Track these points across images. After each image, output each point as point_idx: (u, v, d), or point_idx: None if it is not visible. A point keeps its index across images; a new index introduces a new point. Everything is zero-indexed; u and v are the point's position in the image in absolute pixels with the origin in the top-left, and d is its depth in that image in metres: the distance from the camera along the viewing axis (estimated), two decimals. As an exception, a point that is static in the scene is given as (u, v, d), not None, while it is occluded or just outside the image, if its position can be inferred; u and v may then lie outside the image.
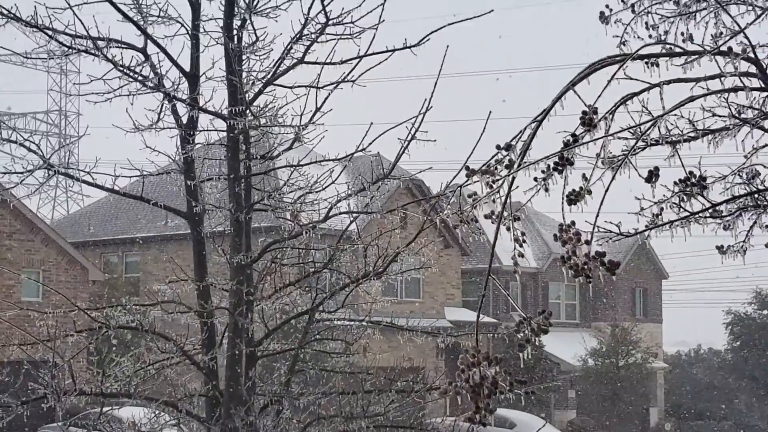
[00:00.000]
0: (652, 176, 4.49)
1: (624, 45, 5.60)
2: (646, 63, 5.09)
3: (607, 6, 5.88)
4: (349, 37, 10.45)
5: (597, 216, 3.90)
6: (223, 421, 10.39)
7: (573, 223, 4.10)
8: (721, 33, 5.51)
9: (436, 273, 43.41)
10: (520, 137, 4.58)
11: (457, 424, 11.52)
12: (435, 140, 10.43)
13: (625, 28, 5.70)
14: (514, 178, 4.44)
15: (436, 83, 9.89)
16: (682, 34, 5.52)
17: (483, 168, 4.54)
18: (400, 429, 10.93)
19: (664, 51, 5.10)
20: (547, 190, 4.46)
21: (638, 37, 5.60)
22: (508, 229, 4.45)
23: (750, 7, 5.41)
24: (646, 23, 5.71)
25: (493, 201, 4.48)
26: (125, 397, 10.50)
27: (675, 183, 4.89)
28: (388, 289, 41.64)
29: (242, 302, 10.52)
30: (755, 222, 5.62)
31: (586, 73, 4.77)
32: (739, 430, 53.93)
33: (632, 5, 5.66)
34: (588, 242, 3.87)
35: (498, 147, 4.59)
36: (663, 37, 5.47)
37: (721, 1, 5.35)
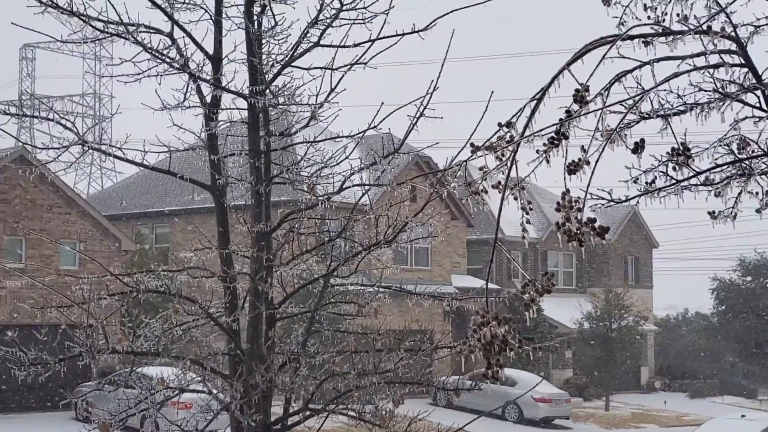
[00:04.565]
0: (638, 147, 4.49)
1: (623, 25, 5.54)
2: (643, 42, 5.06)
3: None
4: (361, 22, 10.41)
5: (588, 184, 3.90)
6: (244, 378, 10.43)
7: (568, 191, 4.12)
8: (714, 14, 5.46)
9: (442, 243, 43.46)
10: (520, 114, 4.59)
11: (460, 381, 11.56)
12: (442, 117, 10.40)
13: (624, 10, 5.65)
14: (516, 151, 4.45)
15: (442, 65, 9.85)
16: (677, 15, 5.48)
17: (487, 144, 4.56)
18: (408, 385, 10.96)
19: (653, 31, 5.07)
20: (548, 161, 4.46)
21: (637, 18, 5.54)
22: (516, 198, 4.47)
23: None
24: (645, 5, 5.66)
25: (502, 173, 4.49)
26: (154, 355, 10.53)
27: (667, 153, 4.88)
28: (398, 256, 41.71)
29: (262, 268, 10.54)
30: (742, 189, 5.60)
31: (582, 53, 4.75)
32: (723, 388, 53.99)
33: None
34: (581, 209, 3.88)
35: (500, 125, 4.60)
36: (662, 18, 5.41)
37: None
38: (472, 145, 4.63)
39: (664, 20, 5.39)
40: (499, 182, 4.27)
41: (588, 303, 49.36)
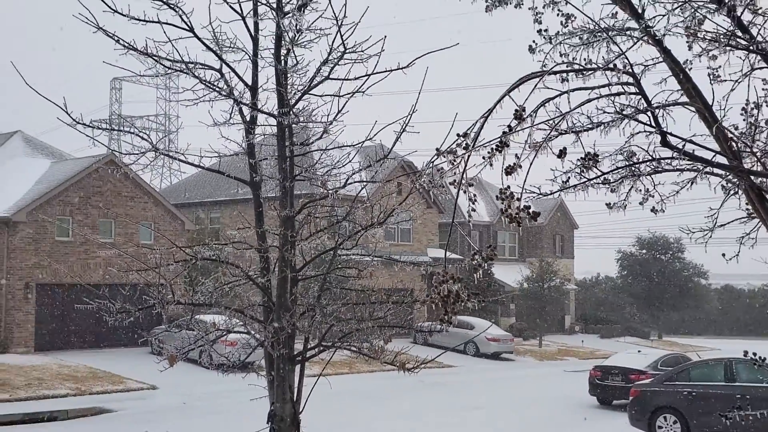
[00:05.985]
0: (562, 154, 4.51)
1: (545, 66, 5.57)
2: (562, 79, 5.09)
3: (533, 41, 5.90)
4: (360, 61, 10.36)
5: (525, 181, 3.92)
6: (274, 323, 10.45)
7: (508, 187, 4.14)
8: (614, 59, 5.50)
9: (420, 224, 43.45)
10: (473, 128, 4.61)
11: (433, 325, 11.61)
12: (419, 132, 10.38)
13: (545, 56, 5.68)
14: (469, 156, 4.46)
15: (419, 94, 9.83)
16: (584, 59, 5.51)
17: (447, 150, 4.56)
18: (394, 328, 10.99)
19: (570, 68, 5.09)
20: (491, 165, 4.46)
21: (554, 62, 5.57)
22: (464, 192, 4.46)
23: (631, 38, 5.40)
24: (560, 53, 5.69)
25: (458, 173, 4.49)
26: (208, 306, 10.54)
27: (578, 159, 4.92)
28: (388, 235, 41.64)
29: (288, 242, 10.54)
30: (632, 187, 5.63)
31: (518, 83, 4.78)
32: (625, 331, 54.25)
33: (549, 38, 5.64)
34: (519, 199, 3.90)
35: (458, 135, 4.61)
36: (572, 60, 5.45)
37: (610, 35, 5.35)
38: (437, 150, 4.64)
39: (573, 63, 5.43)
40: (454, 180, 4.30)
41: (527, 269, 49.54)
